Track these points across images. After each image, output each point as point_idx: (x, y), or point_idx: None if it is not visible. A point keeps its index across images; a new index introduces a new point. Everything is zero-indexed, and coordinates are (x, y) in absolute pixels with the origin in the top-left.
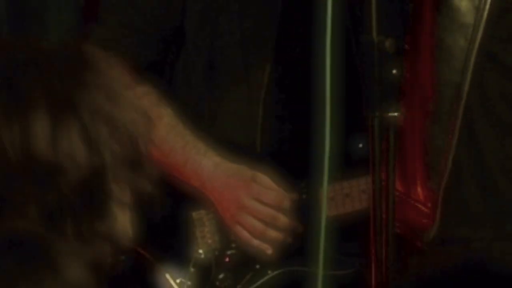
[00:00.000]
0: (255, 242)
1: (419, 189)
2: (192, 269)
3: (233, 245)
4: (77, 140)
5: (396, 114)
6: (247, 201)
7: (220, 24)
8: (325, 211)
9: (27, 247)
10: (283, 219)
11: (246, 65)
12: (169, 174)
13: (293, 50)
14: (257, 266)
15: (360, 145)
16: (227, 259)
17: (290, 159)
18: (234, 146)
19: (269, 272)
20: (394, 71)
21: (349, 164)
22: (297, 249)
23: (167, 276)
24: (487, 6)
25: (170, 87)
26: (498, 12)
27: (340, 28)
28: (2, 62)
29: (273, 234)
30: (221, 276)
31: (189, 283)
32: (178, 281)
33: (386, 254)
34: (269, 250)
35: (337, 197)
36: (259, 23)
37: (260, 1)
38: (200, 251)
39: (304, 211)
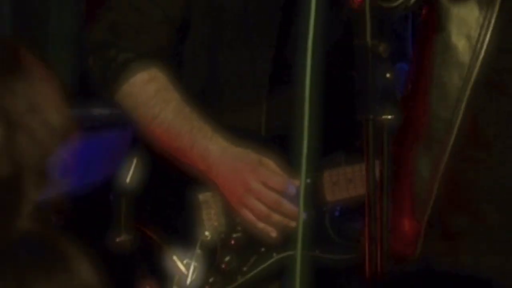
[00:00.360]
0: (261, 224)
1: (406, 221)
2: (198, 251)
3: (239, 228)
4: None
5: (390, 117)
6: (254, 185)
7: (225, 9)
8: (303, 199)
9: (38, 245)
10: (287, 205)
11: (251, 48)
12: (175, 158)
13: (297, 33)
14: (262, 249)
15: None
16: (232, 242)
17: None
18: (240, 129)
19: (274, 255)
20: (388, 75)
21: (352, 150)
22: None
23: (174, 257)
24: (484, 47)
25: (178, 73)
26: (495, 53)
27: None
28: None
29: (277, 218)
30: (226, 258)
31: (195, 264)
32: (185, 262)
33: (381, 249)
34: (273, 233)
35: (341, 182)
36: (263, 8)
37: None
38: (207, 233)
39: (309, 195)
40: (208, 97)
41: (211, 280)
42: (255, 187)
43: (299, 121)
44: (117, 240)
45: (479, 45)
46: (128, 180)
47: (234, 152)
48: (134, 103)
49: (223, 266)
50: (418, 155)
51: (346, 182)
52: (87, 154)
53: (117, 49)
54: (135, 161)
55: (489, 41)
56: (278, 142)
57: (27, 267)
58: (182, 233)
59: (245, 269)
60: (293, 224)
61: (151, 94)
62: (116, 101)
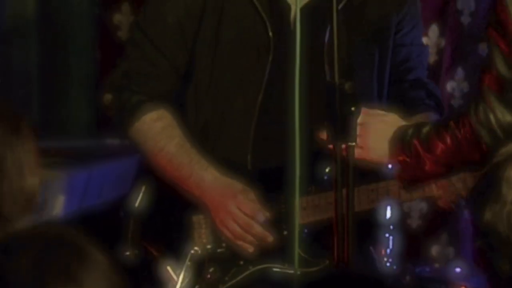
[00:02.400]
0: (239, 242)
1: None
2: (188, 263)
3: (223, 245)
4: None
5: (354, 143)
6: (232, 209)
7: (222, 64)
8: (298, 220)
9: (59, 252)
10: (257, 228)
11: (242, 97)
12: (177, 184)
13: (281, 84)
14: (241, 262)
15: (327, 169)
16: (217, 256)
17: (275, 175)
18: (231, 163)
19: (250, 267)
20: (352, 109)
21: (321, 183)
22: (275, 250)
23: (169, 268)
24: None
25: (182, 112)
26: None
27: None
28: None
29: (249, 238)
30: (211, 269)
31: (185, 274)
32: (177, 272)
33: (347, 248)
34: (250, 249)
35: (309, 208)
36: (253, 58)
37: (254, 40)
38: (196, 248)
39: (284, 219)
40: (207, 134)
41: (197, 287)
42: (233, 210)
43: (291, 160)
44: (126, 253)
45: None
46: (136, 204)
47: (223, 181)
48: (144, 137)
49: (208, 276)
50: None
51: (314, 208)
52: (101, 177)
53: (130, 92)
54: (143, 188)
55: None
56: (261, 174)
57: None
58: (176, 248)
59: (226, 278)
60: (263, 244)
61: (158, 131)
62: (129, 135)
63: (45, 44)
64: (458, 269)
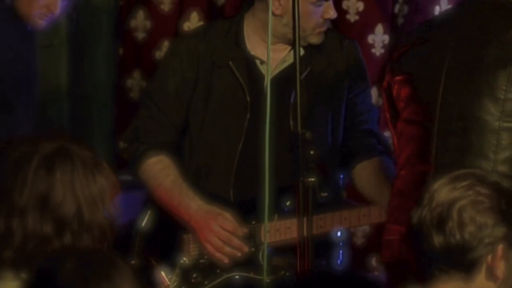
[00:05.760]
0: (217, 254)
1: None
2: (178, 270)
3: (205, 257)
4: None
5: (313, 179)
6: (214, 227)
7: (208, 121)
8: (266, 240)
9: (95, 259)
10: (236, 241)
11: (227, 146)
12: (171, 211)
13: (256, 136)
14: (218, 271)
15: (287, 203)
16: (200, 265)
17: (251, 205)
18: (217, 197)
19: (224, 275)
20: (312, 152)
21: (280, 212)
22: (244, 261)
23: (162, 273)
24: None
25: (179, 158)
26: None
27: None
28: None
29: (228, 249)
30: (194, 275)
31: (175, 278)
32: (169, 277)
33: (308, 262)
34: (226, 260)
35: (272, 231)
36: (234, 117)
37: (235, 103)
38: (185, 259)
39: (253, 238)
40: (199, 175)
41: None
42: (215, 229)
43: (262, 193)
44: (132, 262)
45: None
46: (143, 224)
47: (205, 208)
48: (147, 176)
49: (192, 280)
50: None
51: (275, 231)
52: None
53: (139, 143)
54: (148, 212)
55: None
56: (240, 205)
57: (89, 276)
58: (169, 258)
59: (206, 282)
60: (239, 254)
61: (157, 171)
62: (138, 175)
63: (74, 105)
64: None
